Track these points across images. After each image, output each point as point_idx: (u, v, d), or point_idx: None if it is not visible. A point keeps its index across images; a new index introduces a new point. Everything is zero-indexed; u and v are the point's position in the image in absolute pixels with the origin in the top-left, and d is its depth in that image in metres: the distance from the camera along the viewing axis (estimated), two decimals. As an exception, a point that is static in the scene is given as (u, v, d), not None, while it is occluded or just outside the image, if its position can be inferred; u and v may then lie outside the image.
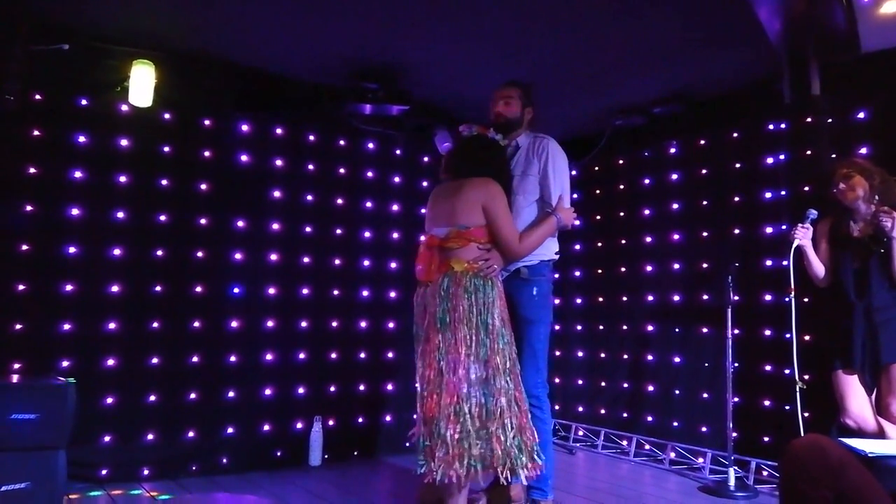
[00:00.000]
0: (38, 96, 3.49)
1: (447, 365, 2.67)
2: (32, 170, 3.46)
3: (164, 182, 3.81)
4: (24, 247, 3.42)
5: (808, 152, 3.82)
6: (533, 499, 3.08)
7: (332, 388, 4.28)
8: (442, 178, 3.04)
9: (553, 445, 3.16)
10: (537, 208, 3.09)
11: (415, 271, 2.96)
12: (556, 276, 5.18)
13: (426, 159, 4.69)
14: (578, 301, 5.19)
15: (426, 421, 2.67)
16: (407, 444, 2.80)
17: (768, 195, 4.06)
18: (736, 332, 3.88)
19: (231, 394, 3.93)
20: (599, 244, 5.08)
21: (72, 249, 3.55)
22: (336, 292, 4.34)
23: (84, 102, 3.62)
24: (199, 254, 3.88)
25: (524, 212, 3.08)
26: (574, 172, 5.25)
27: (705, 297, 4.32)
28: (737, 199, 4.20)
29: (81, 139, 3.60)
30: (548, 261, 3.14)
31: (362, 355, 4.41)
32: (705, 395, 4.26)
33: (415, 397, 2.84)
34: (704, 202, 4.40)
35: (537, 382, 3.05)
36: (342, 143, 4.44)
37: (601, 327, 5.00)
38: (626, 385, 4.78)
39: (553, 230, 3.03)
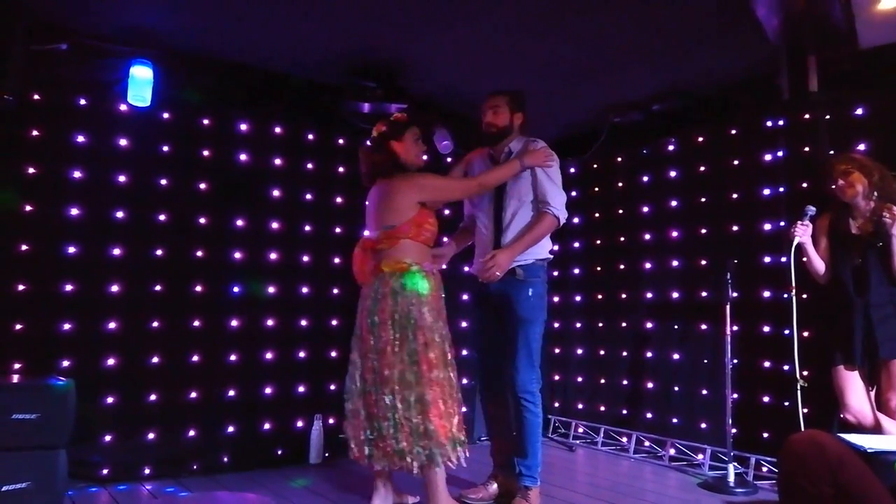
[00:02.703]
0: (36, 96, 3.49)
1: (377, 364, 2.83)
2: (31, 170, 3.46)
3: (164, 181, 3.81)
4: (24, 247, 3.42)
5: (807, 149, 3.82)
6: (525, 486, 3.18)
7: (332, 387, 4.28)
8: (365, 184, 3.14)
9: (542, 438, 3.28)
10: (532, 209, 3.21)
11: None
12: (556, 273, 5.21)
13: (425, 157, 4.66)
14: (578, 298, 5.20)
15: (368, 416, 2.85)
16: (340, 436, 2.93)
17: (766, 192, 4.06)
18: (735, 328, 3.89)
19: (231, 392, 3.94)
20: (598, 241, 5.08)
21: (71, 249, 3.55)
22: (336, 290, 4.34)
23: (83, 102, 3.62)
24: (199, 253, 3.88)
25: (520, 213, 3.20)
26: (573, 170, 5.26)
27: (704, 293, 4.33)
28: (735, 195, 4.20)
29: (80, 139, 3.60)
30: (542, 260, 3.25)
31: (362, 353, 4.41)
32: (704, 392, 4.27)
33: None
34: (703, 199, 4.40)
35: (532, 378, 3.16)
36: (341, 141, 4.44)
37: (600, 324, 5.01)
38: (625, 382, 4.79)
39: (514, 171, 3.16)
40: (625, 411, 4.77)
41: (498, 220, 3.23)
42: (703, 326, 4.31)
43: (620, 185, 4.96)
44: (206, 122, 3.98)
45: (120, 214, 3.68)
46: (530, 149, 3.19)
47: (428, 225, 2.94)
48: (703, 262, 4.36)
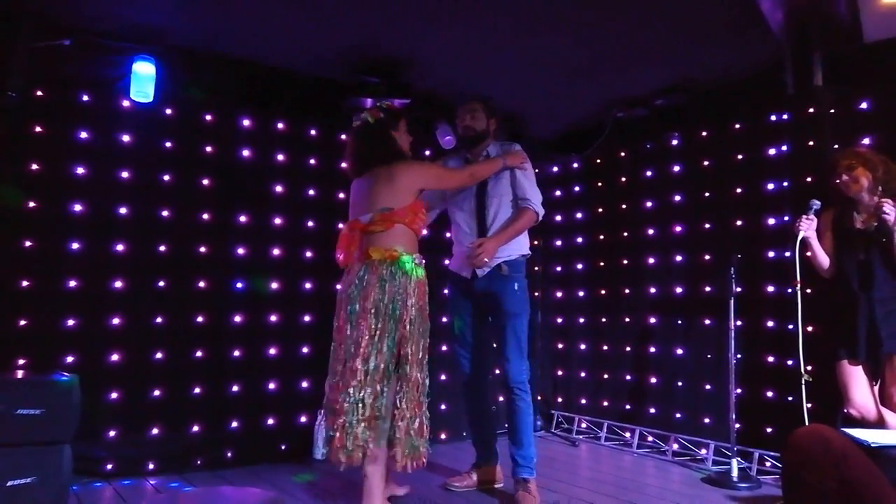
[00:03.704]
0: (39, 92, 3.49)
1: (349, 355, 2.69)
2: (35, 166, 3.47)
3: (167, 177, 3.82)
4: (28, 243, 3.43)
5: (811, 143, 3.81)
6: (524, 477, 3.26)
7: (336, 382, 4.29)
8: (352, 173, 3.06)
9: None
10: (511, 206, 3.37)
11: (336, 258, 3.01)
12: (559, 268, 5.21)
13: (428, 153, 4.68)
14: (581, 294, 5.19)
15: (333, 411, 2.69)
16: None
17: (771, 186, 4.05)
18: (738, 323, 3.88)
19: (235, 388, 3.95)
20: (602, 236, 5.07)
21: (75, 245, 3.55)
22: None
23: (86, 98, 3.63)
24: (202, 249, 3.89)
25: (501, 211, 3.36)
26: (576, 165, 5.25)
27: (708, 288, 4.32)
28: (739, 190, 4.20)
29: (83, 135, 3.60)
30: (524, 256, 3.41)
31: (365, 349, 4.41)
32: (708, 387, 4.26)
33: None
34: (707, 194, 4.39)
35: (522, 369, 3.28)
36: (344, 137, 4.41)
37: (604, 319, 5.00)
38: (628, 377, 4.79)
39: (498, 167, 3.30)
40: (628, 406, 4.77)
41: (481, 217, 3.37)
42: (707, 321, 4.30)
43: (624, 180, 4.95)
44: (208, 118, 3.98)
45: (123, 210, 3.69)
46: (511, 151, 3.37)
47: (422, 214, 2.94)
48: (707, 257, 4.35)
